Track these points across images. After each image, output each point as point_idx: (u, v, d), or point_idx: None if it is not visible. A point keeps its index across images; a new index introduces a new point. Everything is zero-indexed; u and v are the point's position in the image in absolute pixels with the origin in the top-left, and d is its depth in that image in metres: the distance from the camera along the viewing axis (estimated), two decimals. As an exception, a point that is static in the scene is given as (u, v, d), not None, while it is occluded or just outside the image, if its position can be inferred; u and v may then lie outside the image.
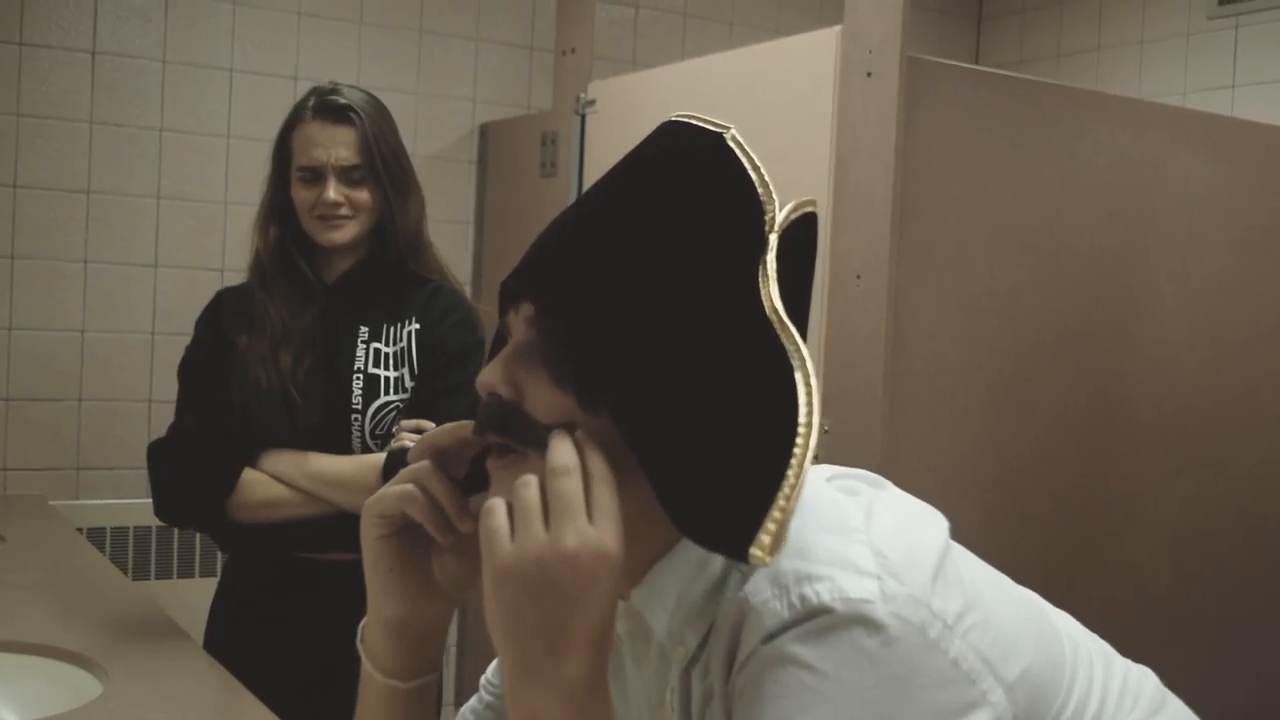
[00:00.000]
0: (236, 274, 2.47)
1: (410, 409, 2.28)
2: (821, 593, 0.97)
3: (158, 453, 2.30)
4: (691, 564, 1.06)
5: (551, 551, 0.93)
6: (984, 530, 2.60)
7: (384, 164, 2.32)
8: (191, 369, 2.35)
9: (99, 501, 3.71)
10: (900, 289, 2.55)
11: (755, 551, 0.93)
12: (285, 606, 2.31)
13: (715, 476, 0.97)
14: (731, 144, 1.08)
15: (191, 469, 2.25)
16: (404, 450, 2.21)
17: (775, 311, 1.00)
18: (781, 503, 0.94)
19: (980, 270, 2.68)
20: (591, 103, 3.66)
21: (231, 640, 2.34)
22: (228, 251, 3.84)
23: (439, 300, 2.38)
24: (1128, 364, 2.86)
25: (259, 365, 2.25)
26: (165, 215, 3.84)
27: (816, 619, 0.96)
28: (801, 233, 1.07)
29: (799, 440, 0.96)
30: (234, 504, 2.23)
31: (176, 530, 3.61)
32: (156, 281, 3.82)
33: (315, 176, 2.29)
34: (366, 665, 1.21)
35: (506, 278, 1.09)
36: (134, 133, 3.79)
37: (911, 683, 0.96)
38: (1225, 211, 3.03)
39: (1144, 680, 1.24)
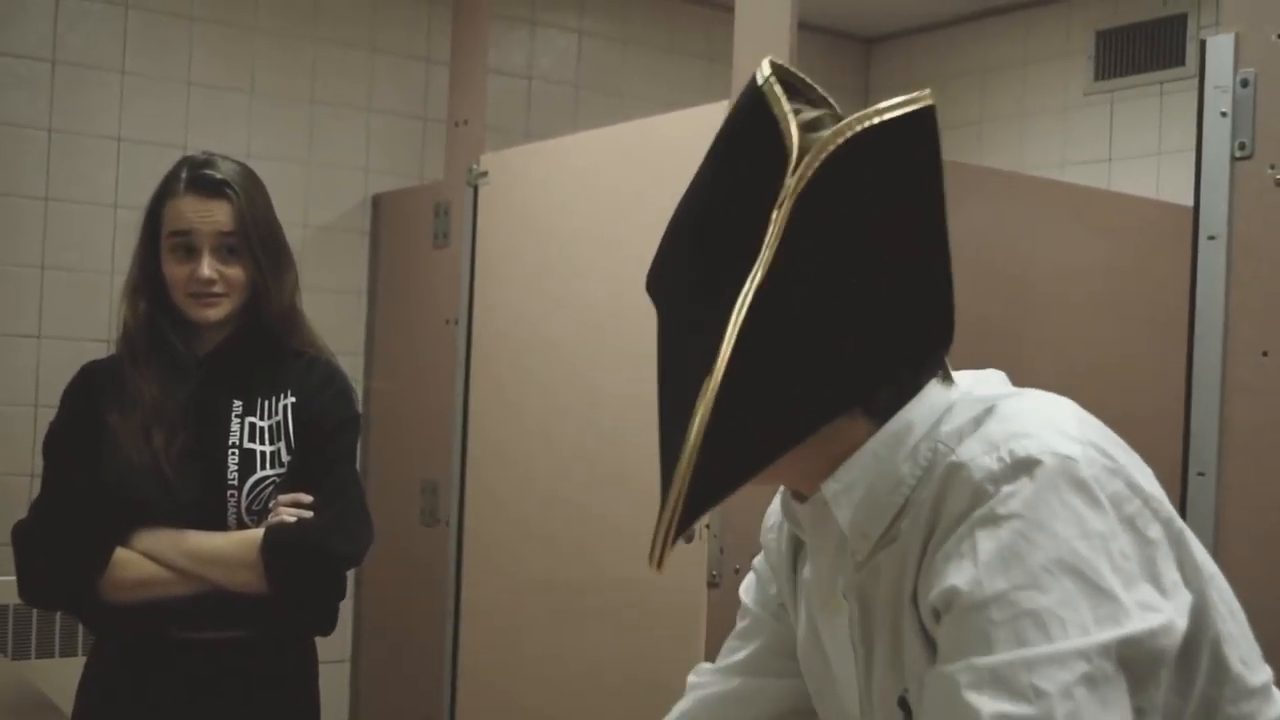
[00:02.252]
0: (122, 346, 2.41)
1: (288, 483, 2.24)
2: (1030, 446, 1.03)
3: (24, 533, 2.21)
4: (879, 460, 1.12)
5: None
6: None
7: (259, 238, 2.25)
8: (58, 445, 2.27)
9: (-23, 579, 3.61)
10: (789, 359, 2.58)
11: (652, 561, 1.06)
12: (156, 685, 2.24)
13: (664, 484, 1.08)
14: (768, 94, 1.10)
15: (60, 549, 2.17)
16: (283, 526, 2.18)
17: (738, 315, 1.03)
18: (665, 520, 1.06)
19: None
20: (484, 174, 3.68)
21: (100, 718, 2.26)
22: (114, 323, 3.77)
23: (315, 373, 2.34)
24: (1011, 431, 2.91)
25: (130, 444, 2.18)
26: (50, 285, 3.78)
27: (1027, 471, 1.02)
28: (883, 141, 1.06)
29: (683, 459, 1.03)
30: (106, 584, 2.14)
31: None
32: (40, 352, 3.76)
33: (188, 251, 2.22)
34: None
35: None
36: (17, 202, 3.74)
37: (1110, 541, 1.01)
38: (1101, 282, 3.11)
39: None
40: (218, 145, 3.89)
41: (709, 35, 4.93)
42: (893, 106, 1.05)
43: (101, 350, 3.59)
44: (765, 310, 1.02)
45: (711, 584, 2.77)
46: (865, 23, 5.30)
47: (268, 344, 2.31)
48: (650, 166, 3.06)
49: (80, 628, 3.69)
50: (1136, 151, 4.46)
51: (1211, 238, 2.09)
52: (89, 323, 3.81)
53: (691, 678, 1.52)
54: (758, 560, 1.47)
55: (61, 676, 3.37)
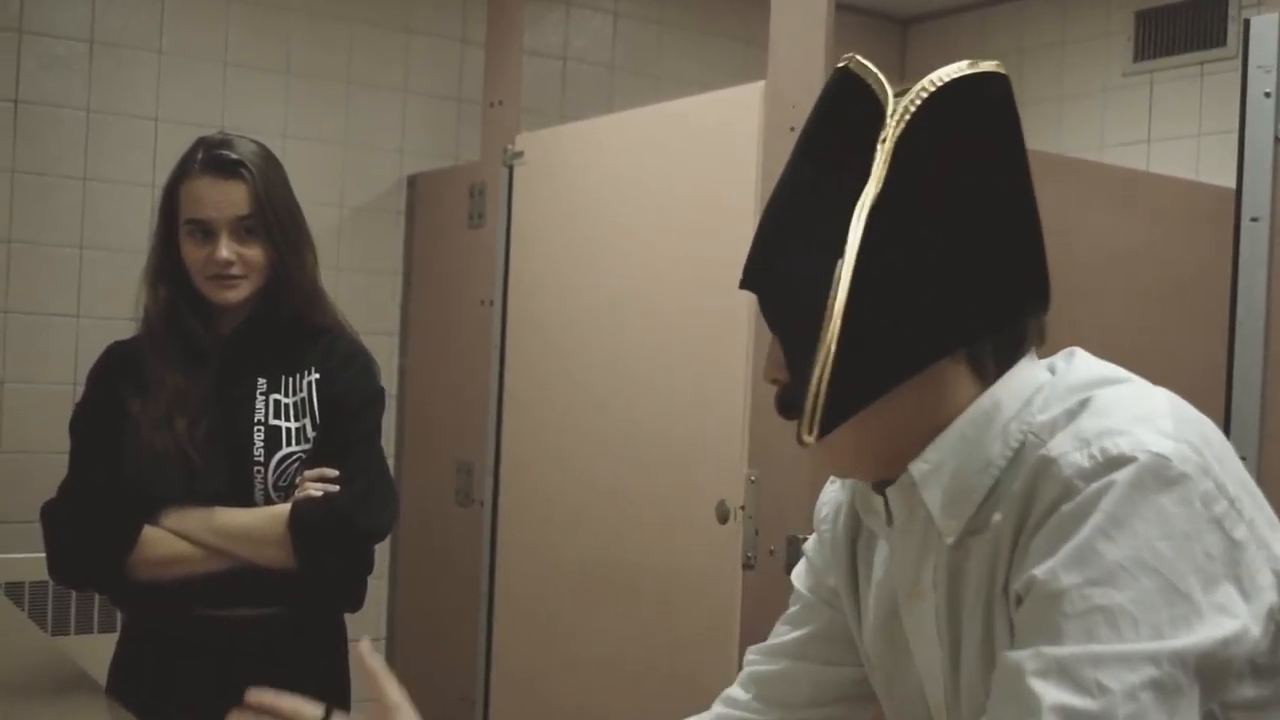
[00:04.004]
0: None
1: (314, 459, 2.25)
2: (1122, 444, 1.02)
3: (52, 513, 2.22)
4: (967, 440, 1.12)
5: None
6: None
7: (276, 219, 2.24)
8: (85, 425, 2.29)
9: (17, 555, 3.64)
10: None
11: (803, 437, 1.05)
12: (185, 663, 2.26)
13: (806, 373, 1.06)
14: (855, 68, 1.13)
15: (89, 529, 2.18)
16: (309, 500, 2.19)
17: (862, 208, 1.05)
18: (814, 386, 1.04)
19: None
20: (519, 154, 3.68)
21: (133, 696, 2.27)
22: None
23: (338, 349, 2.34)
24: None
25: (153, 430, 2.19)
26: (88, 266, 3.81)
27: (1117, 469, 1.01)
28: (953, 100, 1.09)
29: (825, 322, 1.04)
30: (135, 562, 2.15)
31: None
32: (78, 332, 3.78)
33: (205, 233, 2.22)
34: None
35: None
36: (56, 182, 3.76)
37: (1194, 542, 1.00)
38: (1140, 264, 3.09)
39: None
40: (253, 125, 3.92)
41: (745, 16, 4.91)
42: (971, 64, 1.10)
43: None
44: (880, 228, 1.05)
45: (746, 566, 2.77)
46: (902, 4, 5.27)
47: (290, 322, 2.31)
48: (686, 148, 3.05)
49: (118, 605, 3.72)
50: (1176, 133, 4.42)
51: (1254, 219, 2.07)
52: (126, 302, 3.81)
53: (747, 655, 1.54)
54: (810, 546, 1.47)
55: (100, 652, 3.40)
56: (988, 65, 1.10)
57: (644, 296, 3.16)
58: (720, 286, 2.82)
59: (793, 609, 1.48)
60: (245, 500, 2.22)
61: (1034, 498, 1.06)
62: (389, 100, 4.32)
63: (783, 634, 1.48)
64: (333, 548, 2.21)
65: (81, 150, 3.80)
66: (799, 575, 1.48)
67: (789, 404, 1.15)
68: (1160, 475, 1.01)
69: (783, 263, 1.14)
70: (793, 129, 2.62)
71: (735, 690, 1.50)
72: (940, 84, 1.08)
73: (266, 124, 4.00)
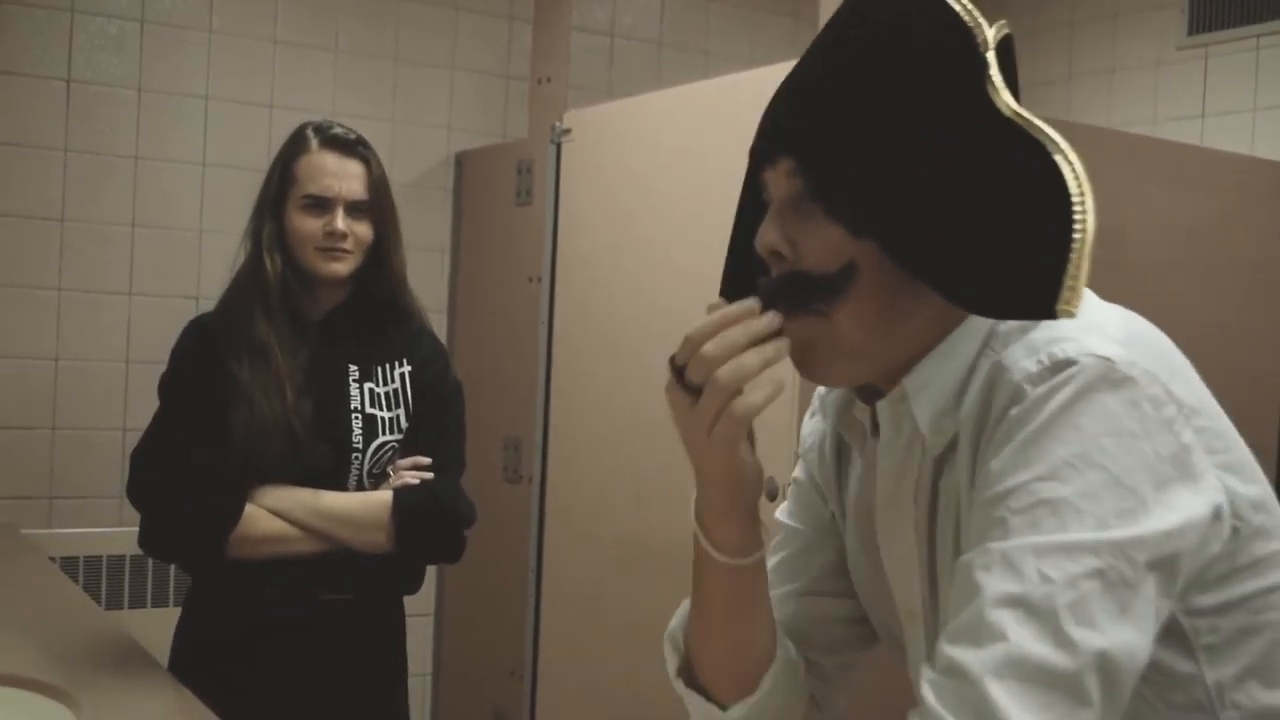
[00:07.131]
0: (211, 301, 2.43)
1: (407, 447, 2.33)
2: (1068, 349, 1.05)
3: (154, 487, 2.23)
4: (956, 354, 1.15)
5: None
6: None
7: (386, 203, 2.35)
8: (183, 397, 2.29)
9: (72, 530, 3.69)
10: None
11: (1061, 307, 1.04)
12: (254, 645, 2.28)
13: (998, 263, 1.07)
14: None
15: (195, 505, 2.20)
16: (410, 488, 2.23)
17: (1016, 113, 1.09)
18: (1074, 259, 1.05)
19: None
20: (567, 131, 3.67)
21: (198, 673, 2.29)
22: (202, 279, 3.84)
23: (424, 344, 2.43)
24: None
25: (264, 399, 2.21)
26: (140, 243, 3.84)
27: (1063, 371, 1.04)
28: (1005, 51, 1.16)
29: (1076, 207, 1.05)
30: (234, 539, 2.19)
31: (151, 559, 3.56)
32: (131, 309, 3.82)
33: (322, 206, 2.27)
34: (715, 556, 1.36)
35: (755, 142, 1.24)
36: (109, 160, 3.79)
37: (1143, 441, 1.02)
38: (1194, 240, 3.06)
39: None
40: (302, 103, 3.94)
41: (793, -9, 4.88)
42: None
43: (189, 306, 3.65)
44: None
45: (794, 543, 2.76)
46: (952, -23, 5.21)
47: (380, 309, 2.37)
48: (734, 124, 3.03)
49: (172, 579, 3.76)
50: (1231, 107, 4.35)
51: (1311, 194, 2.04)
52: (178, 280, 3.87)
53: None
54: (799, 474, 1.48)
55: (154, 626, 3.44)
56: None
57: (692, 273, 3.15)
58: (768, 263, 2.81)
59: (787, 552, 1.47)
60: (340, 483, 2.28)
61: (989, 404, 1.09)
62: (436, 77, 4.32)
63: (785, 580, 1.46)
64: (434, 533, 2.29)
65: (133, 129, 3.83)
66: (791, 514, 1.49)
67: (786, 293, 1.17)
68: (1106, 377, 1.03)
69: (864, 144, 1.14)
70: (841, 104, 2.60)
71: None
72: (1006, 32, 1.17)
73: (315, 102, 4.02)
